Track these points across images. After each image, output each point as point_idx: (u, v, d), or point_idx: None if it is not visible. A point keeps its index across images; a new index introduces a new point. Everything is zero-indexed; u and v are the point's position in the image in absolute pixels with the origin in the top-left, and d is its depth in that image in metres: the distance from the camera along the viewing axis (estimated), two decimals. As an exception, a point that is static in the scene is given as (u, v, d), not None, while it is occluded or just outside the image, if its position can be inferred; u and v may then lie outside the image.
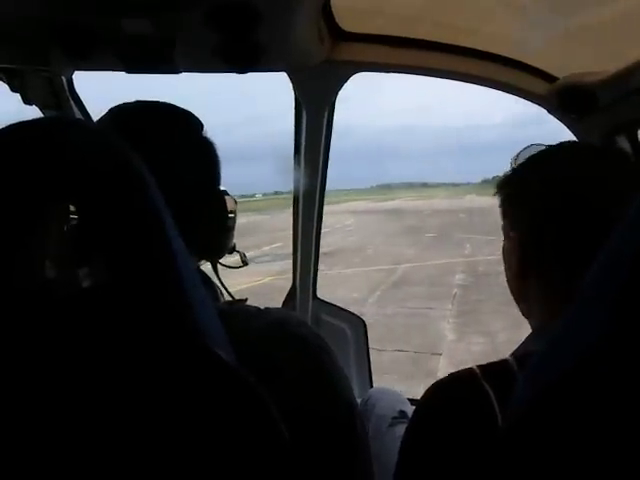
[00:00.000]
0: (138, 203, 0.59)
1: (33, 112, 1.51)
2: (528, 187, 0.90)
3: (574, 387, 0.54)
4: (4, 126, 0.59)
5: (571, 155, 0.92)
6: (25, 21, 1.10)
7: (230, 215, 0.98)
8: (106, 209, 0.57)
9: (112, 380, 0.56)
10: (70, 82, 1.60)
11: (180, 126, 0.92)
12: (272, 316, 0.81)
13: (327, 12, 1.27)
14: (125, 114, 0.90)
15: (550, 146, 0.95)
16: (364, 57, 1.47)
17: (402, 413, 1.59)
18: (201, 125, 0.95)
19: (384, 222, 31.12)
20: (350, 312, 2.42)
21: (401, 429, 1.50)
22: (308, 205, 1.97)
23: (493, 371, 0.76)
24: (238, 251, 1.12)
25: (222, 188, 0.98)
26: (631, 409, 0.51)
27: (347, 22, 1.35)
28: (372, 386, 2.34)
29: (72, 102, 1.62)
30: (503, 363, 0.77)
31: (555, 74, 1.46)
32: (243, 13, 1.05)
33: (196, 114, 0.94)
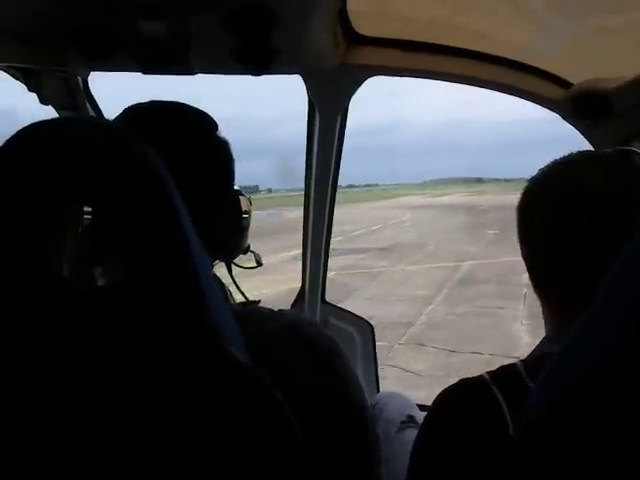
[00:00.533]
0: (155, 202, 0.59)
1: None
2: (542, 201, 0.90)
3: (590, 393, 0.54)
4: (22, 127, 0.60)
5: (586, 169, 0.91)
6: (42, 22, 1.11)
7: (245, 215, 0.98)
8: (123, 208, 0.58)
9: (128, 379, 0.56)
10: (86, 83, 1.61)
11: (194, 126, 0.92)
12: (285, 318, 0.81)
13: (343, 16, 1.27)
14: (139, 114, 0.91)
15: (566, 157, 0.94)
16: (379, 61, 1.47)
17: (410, 418, 1.58)
18: (215, 125, 0.95)
19: (441, 218, 30.27)
20: (358, 316, 2.42)
21: (409, 434, 1.50)
22: (319, 209, 1.97)
23: (502, 376, 0.77)
24: (253, 251, 1.12)
25: (236, 187, 0.98)
26: None
27: (362, 26, 1.35)
28: (379, 390, 2.33)
29: (87, 103, 1.63)
30: (512, 368, 0.77)
31: (570, 80, 1.45)
32: (259, 16, 1.06)
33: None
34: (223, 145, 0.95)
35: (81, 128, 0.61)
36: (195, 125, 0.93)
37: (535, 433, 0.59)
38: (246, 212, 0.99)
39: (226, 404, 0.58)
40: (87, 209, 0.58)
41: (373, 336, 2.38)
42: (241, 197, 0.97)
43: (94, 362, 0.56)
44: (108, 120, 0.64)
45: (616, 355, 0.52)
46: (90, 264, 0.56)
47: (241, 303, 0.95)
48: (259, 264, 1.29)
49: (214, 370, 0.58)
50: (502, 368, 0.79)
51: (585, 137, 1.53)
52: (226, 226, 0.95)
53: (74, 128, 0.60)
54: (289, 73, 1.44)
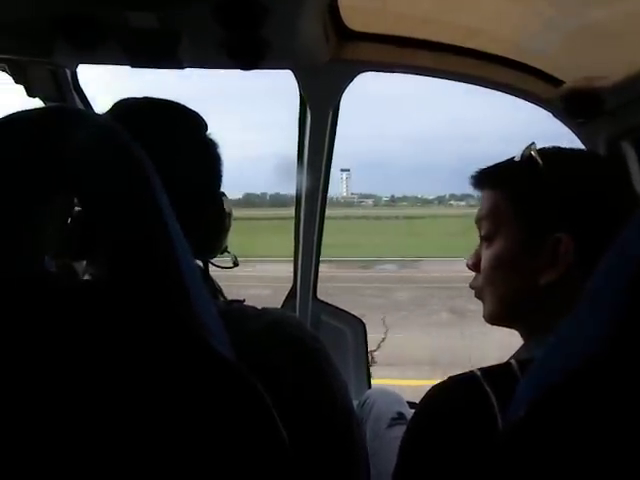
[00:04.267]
0: (139, 198, 0.58)
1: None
2: (551, 189, 0.88)
3: (576, 388, 0.54)
4: (3, 115, 0.59)
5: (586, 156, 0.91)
6: (30, 13, 1.10)
7: (227, 217, 0.98)
8: (106, 201, 0.57)
9: (110, 374, 0.55)
10: (74, 75, 1.60)
11: (183, 125, 0.92)
12: (270, 317, 0.81)
13: (333, 11, 1.27)
14: (129, 109, 0.90)
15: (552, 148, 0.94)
16: (370, 57, 1.47)
17: (400, 414, 1.59)
18: (205, 125, 0.95)
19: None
20: (349, 313, 2.43)
21: (399, 430, 1.50)
22: (310, 204, 1.96)
23: (495, 374, 0.76)
24: (229, 252, 1.12)
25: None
26: (633, 410, 0.51)
27: (353, 21, 1.35)
28: (370, 387, 2.34)
29: (75, 96, 1.62)
30: (506, 366, 0.77)
31: (561, 78, 1.45)
32: (249, 10, 1.05)
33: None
34: (211, 146, 0.94)
35: (65, 118, 0.59)
36: (184, 124, 0.92)
37: (521, 427, 0.59)
38: (229, 213, 0.98)
39: (209, 399, 0.58)
40: (72, 202, 0.57)
41: (365, 333, 2.39)
42: (224, 198, 0.97)
43: (74, 356, 0.55)
44: (95, 113, 0.63)
45: (600, 352, 0.52)
46: (73, 258, 0.55)
47: (226, 301, 0.94)
48: (235, 264, 1.29)
49: (197, 365, 0.58)
50: (496, 366, 0.78)
51: (575, 134, 1.53)
52: (210, 226, 0.95)
53: (57, 117, 0.59)
54: (280, 68, 1.43)
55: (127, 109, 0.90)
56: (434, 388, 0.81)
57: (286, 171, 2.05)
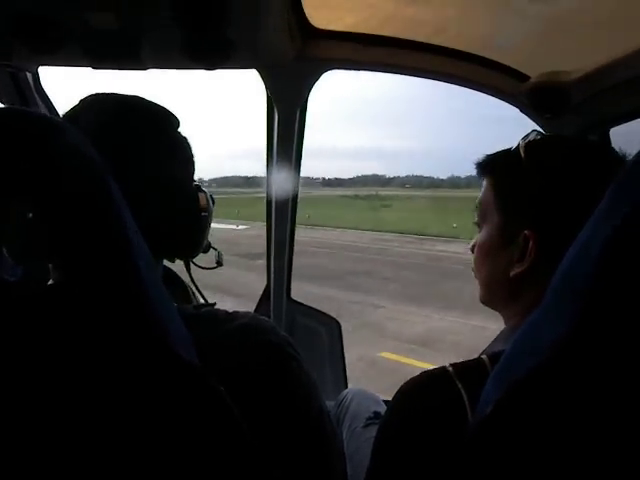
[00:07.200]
0: (92, 195, 0.57)
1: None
2: (527, 183, 0.87)
3: (540, 384, 0.54)
4: None
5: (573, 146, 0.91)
6: None
7: (204, 214, 0.95)
8: (58, 202, 0.55)
9: (66, 379, 0.54)
10: (36, 77, 1.57)
11: (152, 122, 0.89)
12: (240, 321, 0.80)
13: (297, 8, 1.26)
14: (97, 106, 0.88)
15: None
16: (336, 54, 1.46)
17: (377, 414, 1.59)
18: (177, 122, 0.93)
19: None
20: (324, 313, 2.42)
21: (375, 430, 1.49)
22: (281, 204, 1.95)
23: (467, 370, 0.76)
24: (215, 248, 1.09)
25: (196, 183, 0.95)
26: (597, 405, 0.52)
27: (318, 19, 1.34)
28: (347, 386, 2.34)
29: (38, 98, 1.59)
30: (477, 362, 0.77)
31: (527, 73, 1.46)
32: (211, 9, 1.04)
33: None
34: (182, 142, 0.93)
35: (12, 120, 0.58)
36: (153, 121, 0.90)
37: (488, 424, 0.59)
38: (205, 209, 0.95)
39: (170, 401, 0.58)
40: (24, 208, 0.55)
41: (340, 333, 2.39)
42: (200, 194, 0.94)
43: (35, 364, 0.54)
44: (44, 114, 0.61)
45: (562, 348, 0.52)
46: (28, 262, 0.54)
47: (196, 305, 0.93)
48: (219, 264, 1.26)
49: (156, 368, 0.57)
50: (468, 362, 0.78)
51: (542, 129, 1.53)
52: (183, 224, 0.92)
53: (4, 121, 0.57)
54: (244, 68, 1.42)
55: (95, 105, 0.88)
56: (406, 385, 0.80)
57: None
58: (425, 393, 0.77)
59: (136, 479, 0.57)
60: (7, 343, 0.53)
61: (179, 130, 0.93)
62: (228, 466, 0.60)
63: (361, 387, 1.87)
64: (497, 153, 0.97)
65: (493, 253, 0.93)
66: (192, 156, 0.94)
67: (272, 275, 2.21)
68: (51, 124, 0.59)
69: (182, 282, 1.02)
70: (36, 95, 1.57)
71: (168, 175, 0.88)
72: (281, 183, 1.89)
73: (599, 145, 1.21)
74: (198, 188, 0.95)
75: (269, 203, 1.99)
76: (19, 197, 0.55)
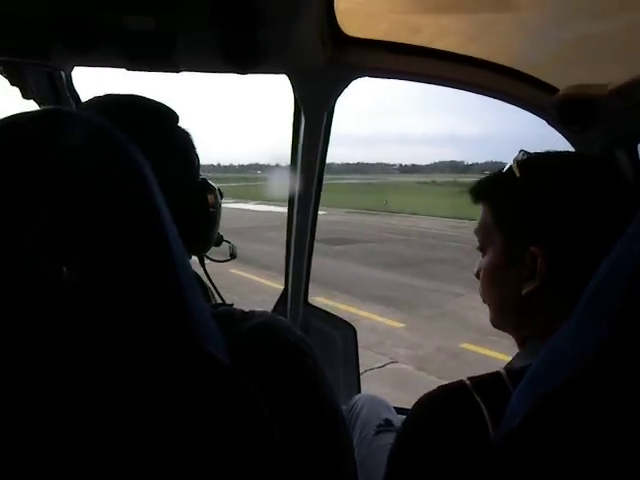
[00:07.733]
0: (136, 196, 0.58)
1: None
2: (545, 198, 0.87)
3: (570, 400, 0.54)
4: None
5: (568, 162, 0.91)
6: (26, 15, 1.09)
7: (212, 209, 0.95)
8: (101, 202, 0.56)
9: (103, 377, 0.55)
10: (69, 78, 1.59)
11: (152, 119, 0.90)
12: (256, 320, 0.80)
13: (330, 16, 1.27)
14: (97, 107, 0.88)
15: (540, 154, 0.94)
16: (366, 62, 1.47)
17: (387, 421, 1.59)
18: (176, 117, 0.94)
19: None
20: (340, 318, 2.42)
21: (386, 437, 1.50)
22: (303, 209, 1.96)
23: (485, 384, 0.76)
24: (227, 241, 1.09)
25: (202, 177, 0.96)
26: (627, 422, 0.51)
27: (350, 26, 1.35)
28: (360, 392, 2.33)
29: (70, 98, 1.61)
30: (496, 376, 0.76)
31: (556, 85, 1.46)
32: (246, 14, 1.05)
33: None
34: (184, 137, 0.93)
35: (62, 121, 0.59)
36: (153, 118, 0.91)
37: (515, 438, 0.58)
38: (213, 205, 0.96)
39: (203, 403, 0.58)
40: (68, 204, 0.56)
41: (355, 339, 2.38)
42: (208, 190, 0.95)
43: (67, 356, 0.54)
44: (90, 114, 0.62)
45: (600, 361, 0.51)
46: (66, 257, 0.54)
47: (213, 305, 0.93)
48: (233, 256, 1.25)
49: (192, 370, 0.57)
50: (486, 375, 0.78)
51: (570, 142, 1.53)
52: (194, 219, 0.93)
53: (54, 121, 0.59)
54: (275, 73, 1.43)
55: (94, 108, 0.88)
56: (424, 397, 0.80)
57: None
58: (444, 405, 0.77)
59: (167, 478, 0.57)
60: (43, 334, 0.54)
61: (179, 124, 0.94)
62: (257, 466, 0.60)
63: (373, 394, 1.87)
64: (488, 177, 0.99)
65: (500, 275, 0.93)
66: (195, 149, 0.95)
67: (290, 279, 2.22)
68: (100, 125, 0.60)
69: (202, 281, 1.03)
70: (69, 95, 1.60)
71: (170, 173, 0.88)
72: (304, 187, 1.89)
73: (595, 157, 1.20)
74: (204, 182, 0.96)
75: (291, 207, 2.01)
76: (61, 196, 0.56)
